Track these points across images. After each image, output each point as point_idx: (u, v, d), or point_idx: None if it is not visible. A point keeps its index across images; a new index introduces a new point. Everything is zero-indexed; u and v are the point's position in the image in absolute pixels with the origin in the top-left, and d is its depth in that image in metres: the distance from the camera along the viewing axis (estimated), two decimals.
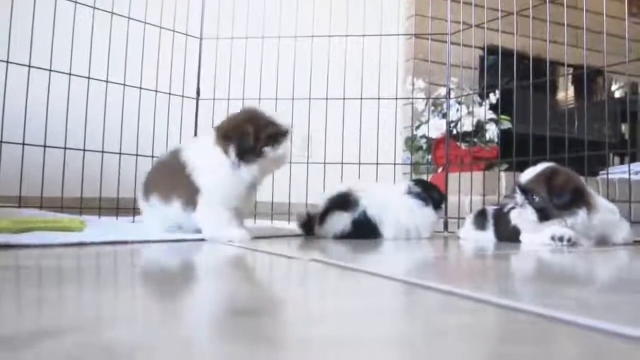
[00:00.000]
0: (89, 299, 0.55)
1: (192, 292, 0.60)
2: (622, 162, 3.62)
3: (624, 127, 3.86)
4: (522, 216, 1.31)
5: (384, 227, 1.41)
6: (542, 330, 0.42)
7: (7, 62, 1.56)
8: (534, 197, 1.29)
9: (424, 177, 2.95)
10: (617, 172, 3.33)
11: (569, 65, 3.19)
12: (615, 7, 3.22)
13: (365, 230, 1.38)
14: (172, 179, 1.29)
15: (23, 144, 1.60)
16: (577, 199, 1.27)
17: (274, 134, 1.26)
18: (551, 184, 1.28)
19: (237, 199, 1.28)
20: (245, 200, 1.32)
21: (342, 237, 1.37)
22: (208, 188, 1.25)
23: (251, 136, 1.24)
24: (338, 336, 0.39)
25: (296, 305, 0.54)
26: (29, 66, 1.59)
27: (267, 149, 1.25)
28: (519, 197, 1.31)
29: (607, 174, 3.05)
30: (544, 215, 1.28)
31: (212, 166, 1.26)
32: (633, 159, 3.49)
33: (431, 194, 1.51)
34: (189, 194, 1.26)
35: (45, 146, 1.63)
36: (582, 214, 1.27)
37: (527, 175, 1.33)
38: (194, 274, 0.80)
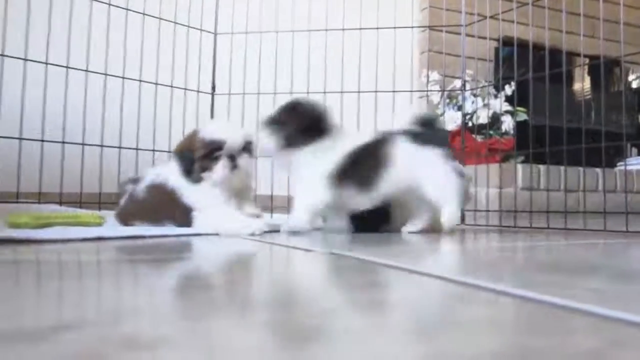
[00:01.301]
0: (108, 292, 0.56)
1: (210, 285, 0.60)
2: None
3: None
4: (266, 148, 1.34)
5: (394, 209, 1.43)
6: (560, 320, 0.42)
7: (25, 59, 1.57)
8: (280, 126, 1.32)
9: None
10: (635, 163, 3.28)
11: (585, 56, 3.14)
12: None
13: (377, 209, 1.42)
14: (163, 204, 1.30)
15: (42, 140, 1.62)
16: (318, 126, 1.32)
17: (207, 154, 1.26)
18: (295, 113, 1.33)
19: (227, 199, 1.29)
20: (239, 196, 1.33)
21: (355, 215, 1.42)
22: (198, 201, 1.27)
23: (187, 160, 1.26)
24: (356, 327, 0.39)
25: (314, 297, 0.53)
26: (46, 63, 1.60)
27: (204, 175, 1.26)
28: (266, 129, 1.34)
29: (625, 165, 3.02)
30: (289, 143, 1.31)
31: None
32: None
33: None
34: (183, 214, 1.27)
35: (63, 142, 1.65)
36: (327, 141, 1.31)
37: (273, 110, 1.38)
38: (212, 267, 0.80)
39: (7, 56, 1.54)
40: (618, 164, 3.40)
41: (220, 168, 1.25)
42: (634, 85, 3.85)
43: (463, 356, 0.32)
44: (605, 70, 3.39)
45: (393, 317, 0.45)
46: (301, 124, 1.31)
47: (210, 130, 1.29)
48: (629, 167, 3.10)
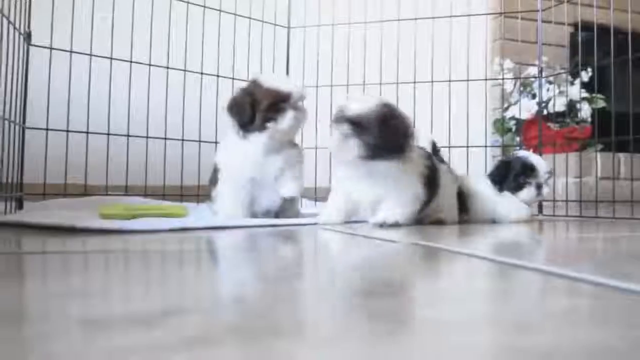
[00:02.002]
0: (198, 280, 0.57)
1: (301, 274, 0.61)
2: None
3: None
4: (343, 148, 1.17)
5: (471, 203, 1.44)
6: None
7: (111, 58, 1.63)
8: (365, 131, 1.15)
9: None
10: None
11: None
12: None
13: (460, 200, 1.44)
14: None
15: (127, 135, 1.67)
16: (407, 145, 1.19)
17: (273, 104, 1.25)
18: (388, 124, 1.16)
19: (254, 174, 1.28)
20: (271, 184, 1.31)
21: None
22: (222, 163, 1.32)
23: (248, 111, 1.26)
24: (451, 317, 0.39)
25: (408, 287, 0.53)
26: (130, 62, 1.67)
27: (269, 124, 1.25)
28: (346, 127, 1.16)
29: None
30: (370, 154, 1.15)
31: (225, 143, 1.35)
32: None
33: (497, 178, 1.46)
34: (213, 174, 1.35)
35: (147, 137, 1.71)
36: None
37: (360, 107, 1.18)
38: (295, 257, 0.81)
39: (94, 55, 1.61)
40: None
41: (289, 118, 1.26)
42: None
43: (578, 348, 0.31)
44: None
45: (494, 308, 0.44)
46: (393, 139, 1.18)
47: (273, 82, 1.29)
48: None
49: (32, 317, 0.38)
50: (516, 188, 1.43)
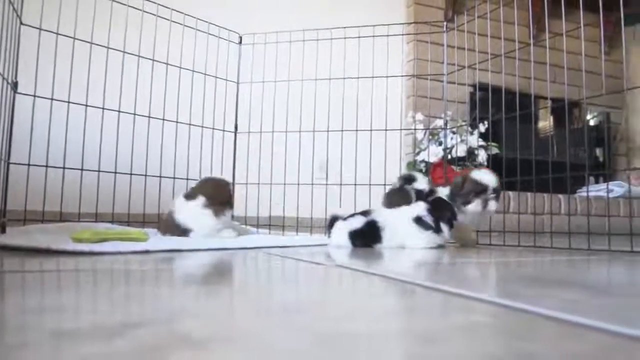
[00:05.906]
0: (156, 295, 0.56)
1: (240, 291, 0.61)
2: (596, 182, 3.59)
3: (598, 151, 3.84)
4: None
5: (384, 233, 1.45)
6: (549, 328, 0.40)
7: (86, 105, 1.63)
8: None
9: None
10: (593, 190, 3.31)
11: (549, 99, 3.18)
12: (589, 47, 3.22)
13: (372, 231, 1.46)
14: None
15: (98, 170, 1.67)
16: None
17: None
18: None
19: None
20: None
21: (355, 233, 1.46)
22: None
23: None
24: (369, 330, 0.38)
25: (330, 304, 0.53)
26: (119, 111, 1.67)
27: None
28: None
29: (588, 191, 3.03)
30: None
31: None
32: (608, 179, 3.48)
33: (443, 215, 1.47)
34: None
35: (115, 172, 1.71)
36: None
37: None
38: (232, 275, 0.80)
39: (72, 102, 1.61)
40: (578, 191, 3.41)
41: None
42: (591, 123, 3.89)
43: (475, 358, 0.31)
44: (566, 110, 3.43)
45: (402, 322, 0.44)
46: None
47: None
48: (590, 194, 3.13)
49: (12, 328, 0.37)
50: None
